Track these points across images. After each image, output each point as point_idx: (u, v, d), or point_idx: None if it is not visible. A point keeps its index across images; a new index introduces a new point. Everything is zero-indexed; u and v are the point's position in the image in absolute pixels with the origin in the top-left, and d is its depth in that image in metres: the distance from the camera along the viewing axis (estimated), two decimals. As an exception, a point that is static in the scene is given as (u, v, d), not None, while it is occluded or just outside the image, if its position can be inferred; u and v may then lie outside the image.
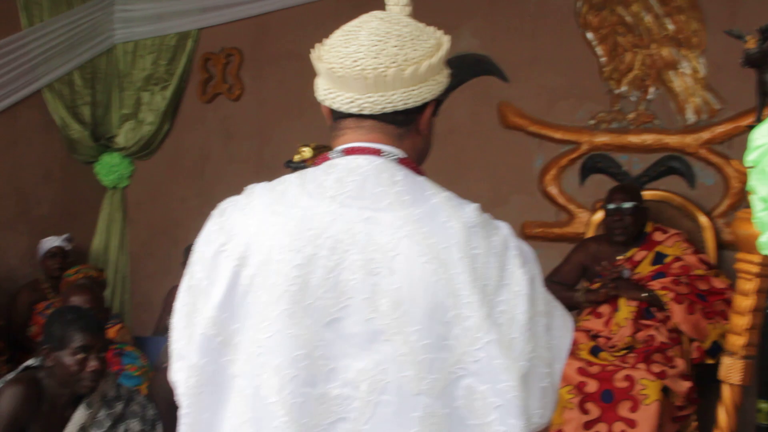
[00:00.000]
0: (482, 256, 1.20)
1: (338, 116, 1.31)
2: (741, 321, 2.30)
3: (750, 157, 1.37)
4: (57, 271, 4.72)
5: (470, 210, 1.24)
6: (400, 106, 1.27)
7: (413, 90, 1.27)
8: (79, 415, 2.56)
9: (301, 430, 1.16)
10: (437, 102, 1.34)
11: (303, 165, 3.03)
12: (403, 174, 1.26)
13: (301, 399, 1.16)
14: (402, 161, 1.28)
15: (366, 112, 1.27)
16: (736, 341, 2.32)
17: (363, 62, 1.25)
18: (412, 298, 1.17)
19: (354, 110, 1.27)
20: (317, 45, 1.33)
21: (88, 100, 5.38)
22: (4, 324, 4.56)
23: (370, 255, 1.19)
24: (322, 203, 1.23)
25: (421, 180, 1.28)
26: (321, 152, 3.16)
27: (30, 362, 2.66)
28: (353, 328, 1.18)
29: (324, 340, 1.18)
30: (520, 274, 1.22)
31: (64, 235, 4.82)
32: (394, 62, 1.25)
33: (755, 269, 2.26)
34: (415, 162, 1.32)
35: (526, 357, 1.19)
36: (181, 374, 1.25)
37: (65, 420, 2.55)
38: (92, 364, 2.54)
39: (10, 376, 2.65)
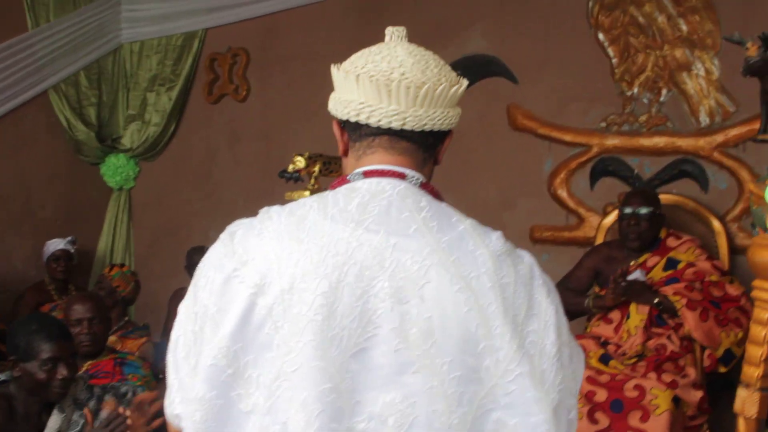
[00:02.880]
0: (511, 286, 1.18)
1: (369, 133, 1.26)
2: (757, 351, 2.20)
3: None
4: (61, 273, 4.69)
5: (495, 238, 1.22)
6: (438, 125, 1.25)
7: (449, 111, 1.27)
8: (54, 421, 2.52)
9: None
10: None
11: (297, 175, 2.97)
12: (427, 200, 1.23)
13: None
14: (424, 186, 1.26)
15: (408, 127, 1.24)
16: (753, 372, 2.22)
17: (411, 75, 1.23)
18: (444, 328, 1.13)
19: (395, 125, 1.24)
20: (337, 64, 1.30)
21: (93, 101, 5.35)
22: (4, 328, 4.52)
23: (398, 283, 1.15)
24: (346, 228, 1.18)
25: (444, 206, 1.25)
26: (315, 162, 3.10)
27: (0, 377, 2.63)
28: (380, 359, 1.13)
29: (350, 372, 1.13)
30: (546, 303, 1.20)
31: (68, 238, 4.78)
32: (439, 80, 1.25)
33: (773, 297, 2.17)
34: None
35: (556, 389, 1.17)
36: (186, 407, 1.18)
37: (42, 426, 2.52)
38: (61, 372, 2.49)
39: None
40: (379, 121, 1.24)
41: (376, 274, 1.15)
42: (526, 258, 1.24)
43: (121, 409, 2.50)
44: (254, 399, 1.14)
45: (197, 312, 1.20)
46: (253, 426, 1.14)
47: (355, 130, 1.27)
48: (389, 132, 1.25)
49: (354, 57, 1.30)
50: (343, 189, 1.24)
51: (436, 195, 1.27)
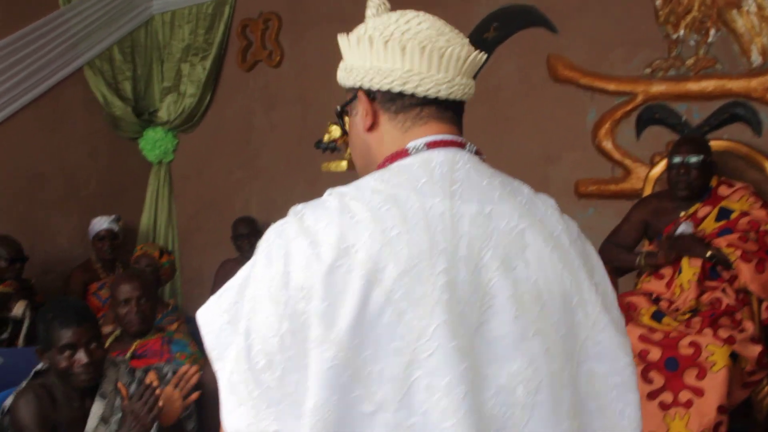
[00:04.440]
0: (577, 241, 1.22)
1: (414, 103, 1.21)
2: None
3: None
4: (107, 253, 4.73)
5: (546, 197, 1.26)
6: (469, 95, 1.25)
7: (472, 81, 1.26)
8: (97, 407, 2.52)
9: None
10: None
11: (333, 145, 2.89)
12: (488, 166, 1.22)
13: (475, 416, 1.06)
14: (477, 153, 1.24)
15: (453, 96, 1.22)
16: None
17: (454, 42, 1.22)
18: (549, 289, 1.15)
19: (443, 94, 1.21)
20: (345, 33, 1.25)
21: (128, 75, 5.34)
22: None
23: (503, 250, 1.14)
24: (443, 201, 1.13)
25: (500, 171, 1.24)
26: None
27: (38, 366, 2.63)
28: (500, 330, 1.11)
29: (475, 348, 1.10)
30: (596, 255, 1.25)
31: (112, 216, 4.81)
32: (471, 49, 1.24)
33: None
34: None
35: (624, 332, 1.22)
36: (292, 422, 1.06)
37: (86, 412, 2.53)
38: (79, 357, 2.47)
39: (23, 384, 2.61)
40: (428, 90, 1.20)
41: (482, 244, 1.12)
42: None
43: (150, 376, 2.50)
44: (379, 396, 1.05)
45: (284, 314, 1.07)
46: (382, 426, 1.05)
47: (394, 101, 1.22)
48: (435, 102, 1.22)
49: (374, 23, 1.23)
50: (413, 162, 1.18)
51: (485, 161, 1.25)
